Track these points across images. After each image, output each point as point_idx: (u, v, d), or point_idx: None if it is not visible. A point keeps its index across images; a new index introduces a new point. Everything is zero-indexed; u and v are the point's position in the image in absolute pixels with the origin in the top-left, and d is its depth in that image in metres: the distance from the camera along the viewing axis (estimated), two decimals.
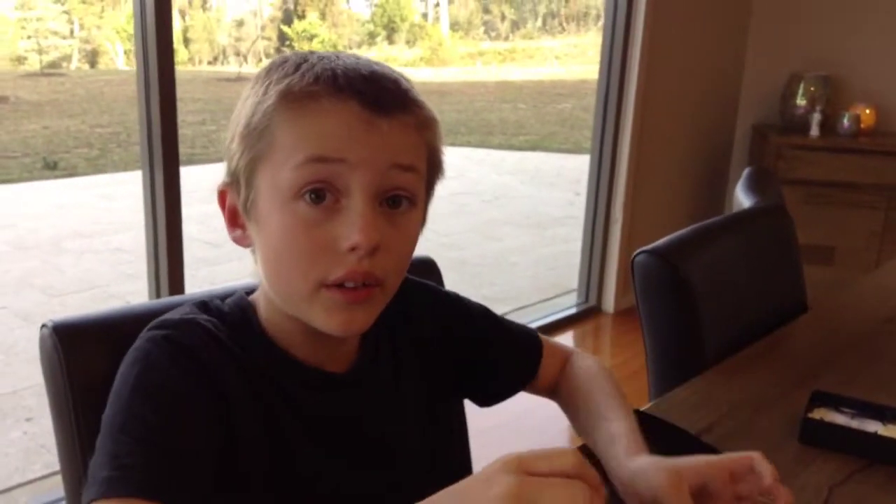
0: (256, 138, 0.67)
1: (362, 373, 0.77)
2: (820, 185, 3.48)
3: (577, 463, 0.47)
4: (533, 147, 10.92)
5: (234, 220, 0.73)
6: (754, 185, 1.65)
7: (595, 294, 3.64)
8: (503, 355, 0.90)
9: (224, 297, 0.78)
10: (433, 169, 0.73)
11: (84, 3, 15.48)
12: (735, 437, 0.92)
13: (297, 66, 0.67)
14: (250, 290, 0.78)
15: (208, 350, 0.68)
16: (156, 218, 2.12)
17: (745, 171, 1.77)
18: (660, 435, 0.84)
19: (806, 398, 0.99)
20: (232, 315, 0.74)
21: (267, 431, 0.70)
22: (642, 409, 0.95)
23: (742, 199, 1.57)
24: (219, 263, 4.76)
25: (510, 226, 6.26)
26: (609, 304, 3.62)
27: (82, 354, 0.81)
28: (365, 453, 0.76)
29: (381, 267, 0.67)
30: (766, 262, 1.40)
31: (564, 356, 0.93)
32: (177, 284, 2.17)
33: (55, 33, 15.21)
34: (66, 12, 15.40)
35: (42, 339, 0.81)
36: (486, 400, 0.91)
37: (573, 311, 3.60)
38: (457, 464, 0.94)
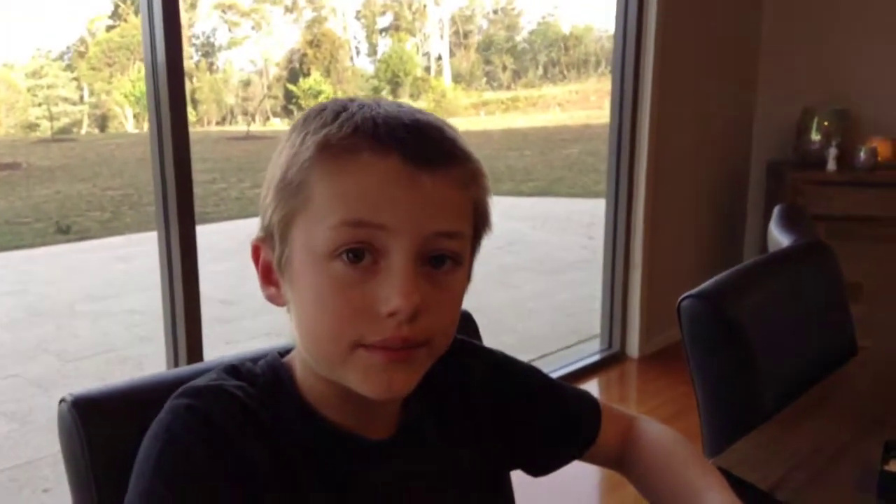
0: (292, 193, 0.62)
1: (406, 439, 0.72)
2: (840, 220, 3.42)
3: None
4: (542, 193, 10.95)
5: (268, 277, 0.68)
6: (788, 222, 1.59)
7: (618, 339, 3.56)
8: (558, 420, 0.83)
9: (256, 359, 0.73)
10: (480, 224, 0.68)
11: (93, 69, 15.78)
12: (809, 493, 0.85)
13: (336, 115, 0.63)
14: (284, 352, 0.73)
15: (234, 420, 0.63)
16: (172, 277, 2.09)
17: (777, 209, 1.71)
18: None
19: (874, 447, 0.92)
20: (264, 377, 0.69)
21: None
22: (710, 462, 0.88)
23: (779, 237, 1.51)
24: (233, 321, 4.70)
25: (525, 272, 6.21)
26: (633, 349, 3.54)
27: (104, 429, 0.75)
28: None
29: (423, 330, 0.62)
30: (813, 301, 1.34)
31: (628, 422, 0.86)
32: (195, 344, 2.12)
33: (65, 100, 15.47)
34: (75, 79, 15.68)
35: (61, 415, 0.75)
36: (538, 469, 0.84)
37: (597, 357, 3.52)
38: None
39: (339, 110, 0.63)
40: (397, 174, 0.60)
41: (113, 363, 4.12)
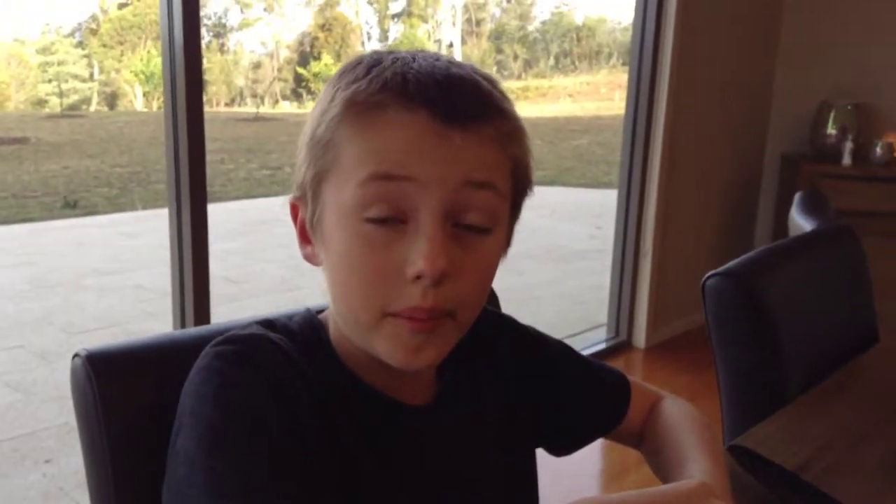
0: (322, 151, 0.61)
1: (441, 407, 0.70)
2: (855, 214, 3.37)
3: None
4: (551, 182, 10.91)
5: (305, 235, 0.66)
6: (811, 208, 1.57)
7: (625, 329, 3.54)
8: (588, 398, 0.81)
9: (289, 316, 0.71)
10: (519, 184, 0.65)
11: (104, 46, 15.74)
12: (835, 476, 0.83)
13: (368, 70, 0.60)
14: (318, 311, 0.71)
15: (281, 369, 0.61)
16: (182, 254, 2.07)
17: (798, 195, 1.69)
18: (755, 472, 0.75)
19: None
20: (302, 334, 0.67)
21: (337, 461, 0.62)
22: (734, 442, 0.86)
23: (801, 222, 1.49)
24: (238, 300, 4.69)
25: (532, 259, 6.18)
26: (640, 339, 3.52)
27: (118, 385, 0.73)
28: (437, 492, 0.69)
29: (451, 298, 0.59)
30: (838, 285, 1.31)
31: (653, 400, 0.83)
32: (203, 321, 2.11)
33: (75, 77, 15.45)
34: (86, 56, 15.66)
35: (74, 370, 0.73)
36: (562, 447, 0.83)
37: (602, 345, 3.50)
38: None
39: (372, 64, 0.61)
40: (425, 130, 0.57)
41: (119, 337, 4.11)
